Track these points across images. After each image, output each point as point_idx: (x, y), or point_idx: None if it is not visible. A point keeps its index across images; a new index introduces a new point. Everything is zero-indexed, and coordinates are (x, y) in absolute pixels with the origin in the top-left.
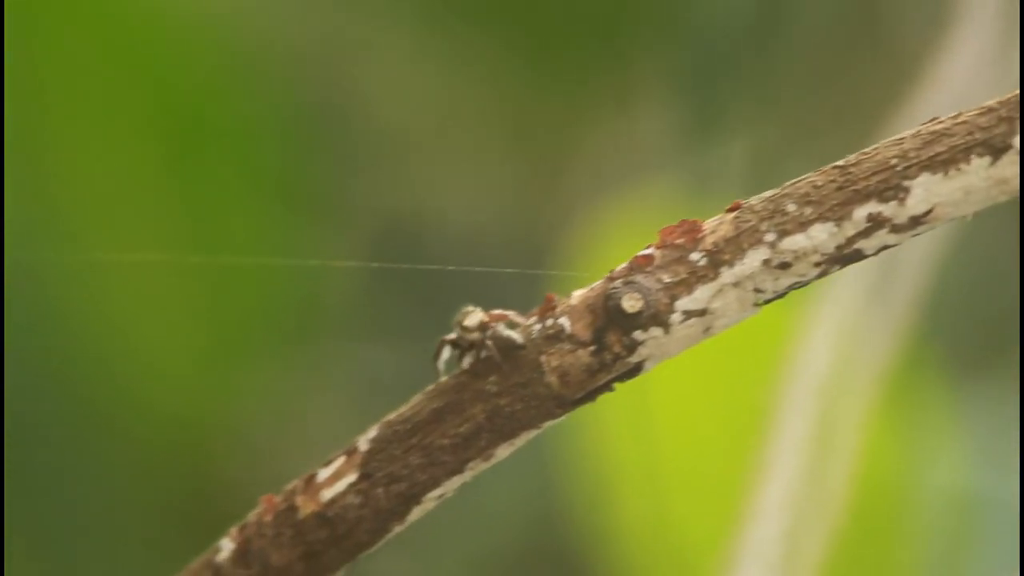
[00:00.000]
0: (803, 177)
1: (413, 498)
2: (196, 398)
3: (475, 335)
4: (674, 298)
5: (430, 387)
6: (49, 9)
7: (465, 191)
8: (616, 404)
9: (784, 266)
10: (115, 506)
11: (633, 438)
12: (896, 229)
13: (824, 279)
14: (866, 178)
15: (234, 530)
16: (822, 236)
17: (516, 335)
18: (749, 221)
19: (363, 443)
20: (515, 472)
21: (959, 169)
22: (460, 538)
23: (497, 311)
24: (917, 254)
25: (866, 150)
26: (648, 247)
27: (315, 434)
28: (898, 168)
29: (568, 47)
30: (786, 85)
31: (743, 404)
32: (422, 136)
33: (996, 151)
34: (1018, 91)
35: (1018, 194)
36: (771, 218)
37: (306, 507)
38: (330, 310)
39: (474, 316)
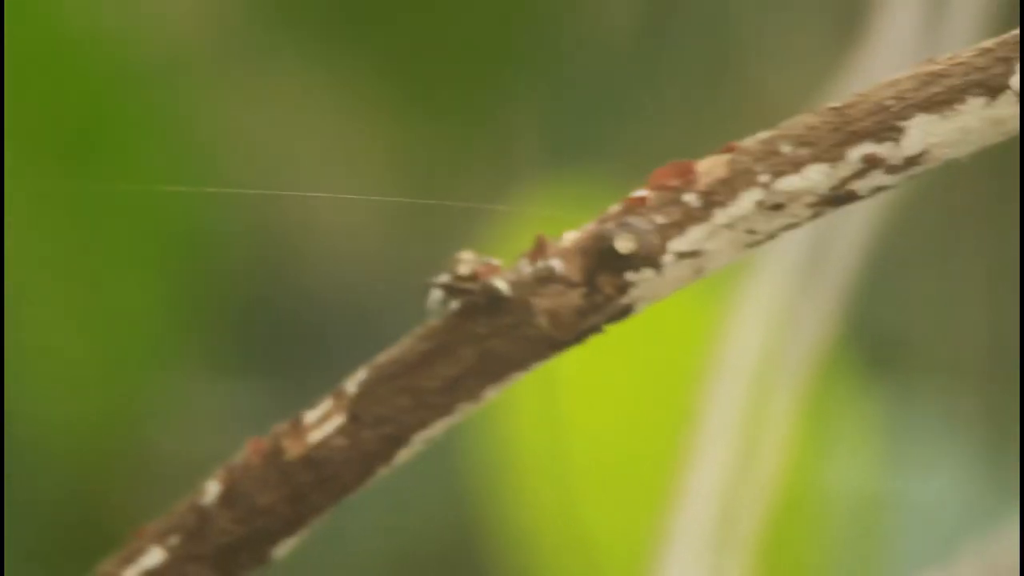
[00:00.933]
0: (798, 117)
1: (401, 440)
2: (86, 406)
3: (466, 284)
4: (667, 239)
5: (419, 329)
6: None
7: (345, 216)
8: (527, 398)
9: (778, 207)
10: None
11: (544, 433)
12: (891, 170)
13: (747, 268)
14: (861, 119)
15: (220, 472)
16: (816, 177)
17: (503, 286)
18: (743, 162)
19: (351, 385)
20: (422, 470)
21: (955, 109)
22: (363, 540)
23: (490, 261)
24: (845, 245)
25: (862, 91)
26: (641, 189)
27: (184, 455)
28: (894, 109)
29: (445, 73)
30: (661, 105)
31: (660, 395)
32: (300, 162)
33: (993, 91)
34: (1016, 31)
35: (1016, 134)
36: (765, 159)
37: (293, 449)
38: (202, 337)
39: (466, 265)
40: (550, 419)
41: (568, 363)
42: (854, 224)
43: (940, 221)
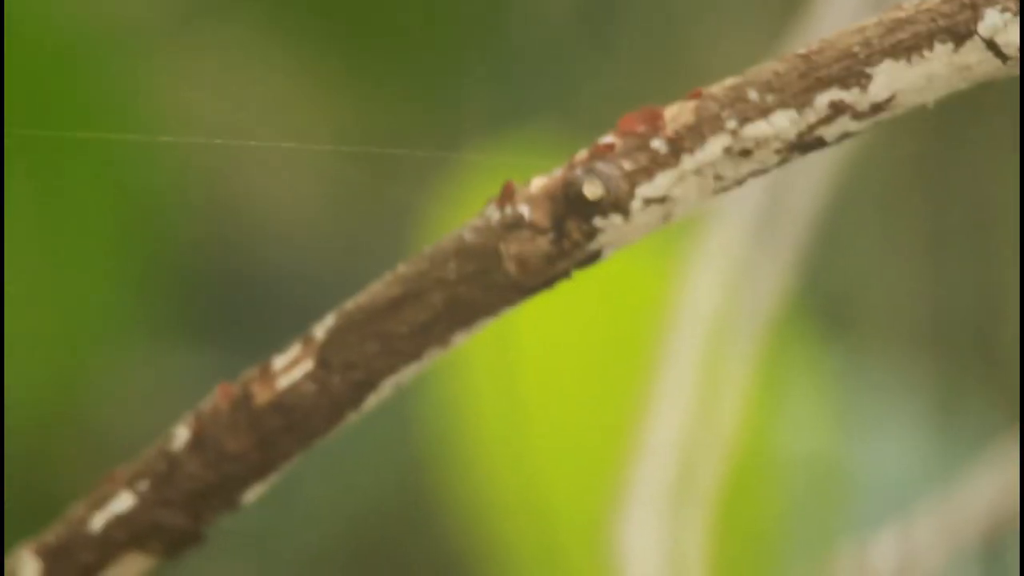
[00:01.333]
0: (765, 64)
1: (370, 386)
2: (34, 374)
3: None
4: (635, 185)
5: (387, 275)
6: None
7: (295, 184)
8: (481, 356)
9: (745, 153)
10: None
11: (499, 392)
12: (858, 116)
13: (704, 224)
14: (828, 65)
15: (190, 418)
16: (784, 123)
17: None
18: (710, 108)
19: (319, 331)
20: (375, 430)
21: (922, 56)
22: (316, 502)
23: None
24: (799, 203)
25: (828, 37)
26: (609, 135)
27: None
28: (861, 55)
29: (393, 34)
30: (608, 63)
31: (616, 352)
32: (251, 126)
33: (959, 38)
34: None
35: (977, 81)
36: (733, 105)
37: (262, 395)
38: (152, 307)
39: None
40: (505, 377)
41: (523, 320)
42: (808, 183)
43: (890, 182)
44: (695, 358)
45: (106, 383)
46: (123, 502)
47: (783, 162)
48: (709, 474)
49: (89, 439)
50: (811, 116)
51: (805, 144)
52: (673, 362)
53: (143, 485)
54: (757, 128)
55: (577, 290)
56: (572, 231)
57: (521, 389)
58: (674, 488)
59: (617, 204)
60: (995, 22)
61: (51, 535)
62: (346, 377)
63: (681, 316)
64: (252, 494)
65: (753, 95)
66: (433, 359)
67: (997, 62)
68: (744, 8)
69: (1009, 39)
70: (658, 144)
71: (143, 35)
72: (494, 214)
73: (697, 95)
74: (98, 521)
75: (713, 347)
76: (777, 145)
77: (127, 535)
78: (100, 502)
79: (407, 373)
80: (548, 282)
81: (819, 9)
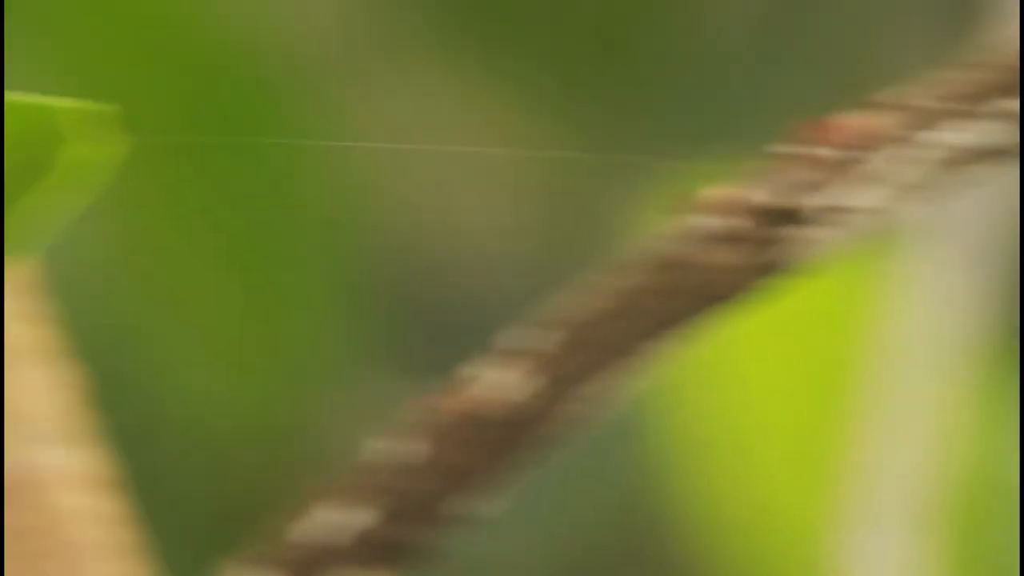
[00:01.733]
0: (944, 71)
1: (592, 394)
2: (225, 409)
3: None
4: (826, 196)
5: (586, 285)
6: None
7: (490, 204)
8: (702, 381)
9: (927, 163)
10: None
11: (722, 417)
12: None
13: (917, 248)
14: (1011, 72)
15: (415, 429)
16: (966, 133)
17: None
18: (890, 117)
19: (544, 340)
20: (601, 458)
21: None
22: (539, 532)
23: None
24: (1009, 228)
25: (1009, 44)
26: (792, 145)
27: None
28: None
29: (579, 69)
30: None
31: (834, 378)
32: (436, 153)
33: None
34: None
35: None
36: (913, 114)
37: (481, 407)
38: (362, 334)
39: None
40: (721, 400)
41: (738, 340)
42: (1015, 206)
43: None
44: (914, 380)
45: (311, 402)
46: (350, 517)
47: (968, 173)
48: (935, 499)
49: (292, 456)
50: (994, 125)
51: (988, 154)
52: (891, 383)
53: (369, 501)
54: (937, 137)
55: (790, 310)
56: (767, 241)
57: (738, 411)
58: (901, 512)
59: (810, 215)
60: None
61: (267, 549)
62: (571, 387)
63: (897, 338)
64: (483, 506)
65: (933, 103)
66: (637, 371)
67: None
68: (923, 18)
69: None
70: (848, 154)
71: (336, 52)
72: (686, 223)
73: (877, 104)
74: (316, 536)
75: (931, 370)
76: (958, 155)
77: (352, 552)
78: (316, 518)
79: (617, 385)
80: (742, 292)
81: (998, 16)
